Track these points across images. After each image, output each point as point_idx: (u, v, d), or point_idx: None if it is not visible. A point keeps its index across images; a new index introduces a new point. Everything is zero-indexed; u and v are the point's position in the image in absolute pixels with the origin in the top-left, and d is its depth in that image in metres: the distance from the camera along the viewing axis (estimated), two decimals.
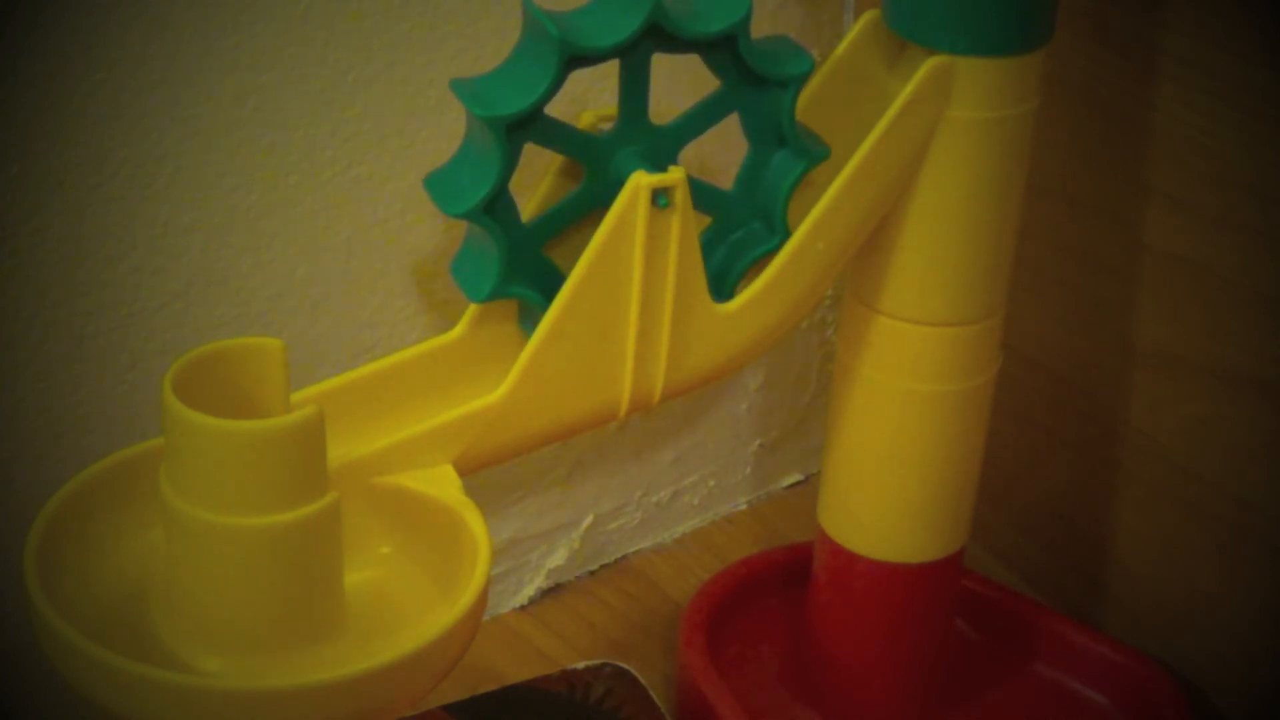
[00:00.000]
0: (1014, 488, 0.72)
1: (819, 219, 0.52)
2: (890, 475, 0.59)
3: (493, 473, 0.53)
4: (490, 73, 0.49)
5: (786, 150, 0.53)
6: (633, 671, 0.64)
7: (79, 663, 0.44)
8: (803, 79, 0.52)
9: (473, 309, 0.52)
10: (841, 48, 0.55)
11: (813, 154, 0.53)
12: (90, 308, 0.56)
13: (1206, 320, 0.61)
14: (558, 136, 0.50)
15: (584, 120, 0.52)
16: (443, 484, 0.49)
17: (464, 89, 0.49)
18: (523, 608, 0.72)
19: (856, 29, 0.55)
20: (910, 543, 0.60)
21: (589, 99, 0.59)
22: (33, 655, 0.46)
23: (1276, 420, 0.60)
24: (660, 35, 0.49)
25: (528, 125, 0.49)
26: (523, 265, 0.51)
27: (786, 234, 0.53)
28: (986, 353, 0.58)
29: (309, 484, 0.45)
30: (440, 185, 0.50)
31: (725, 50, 0.51)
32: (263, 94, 0.56)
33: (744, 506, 0.78)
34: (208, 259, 0.57)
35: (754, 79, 0.51)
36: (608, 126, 0.51)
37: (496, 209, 0.49)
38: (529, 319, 0.51)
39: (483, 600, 0.46)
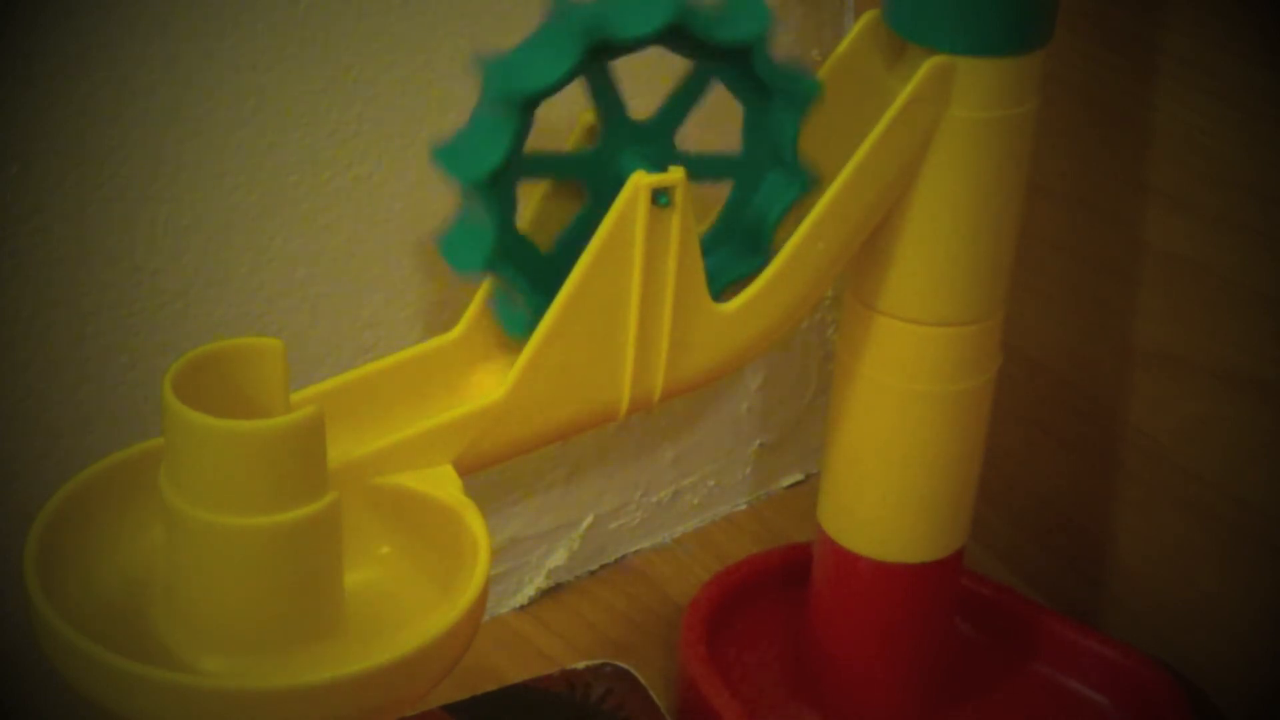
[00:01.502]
0: (1014, 488, 0.72)
1: (819, 219, 0.52)
2: (890, 475, 0.59)
3: (493, 473, 0.53)
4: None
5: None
6: (633, 671, 0.64)
7: (79, 663, 0.44)
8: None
9: (473, 309, 0.52)
10: (841, 48, 0.55)
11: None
12: (90, 308, 0.56)
13: (1206, 320, 0.61)
14: (606, 89, 0.50)
15: (585, 119, 0.52)
16: (443, 484, 0.49)
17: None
18: (523, 608, 0.72)
19: (856, 29, 0.55)
20: (910, 543, 0.60)
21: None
22: (33, 655, 0.46)
23: (1276, 420, 0.60)
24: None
25: (611, 52, 0.49)
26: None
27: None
28: (986, 353, 0.58)
29: (309, 484, 0.45)
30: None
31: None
32: (263, 94, 0.56)
33: (744, 506, 0.78)
34: (208, 259, 0.57)
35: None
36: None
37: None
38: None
39: (483, 600, 0.46)
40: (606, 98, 0.50)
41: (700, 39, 0.50)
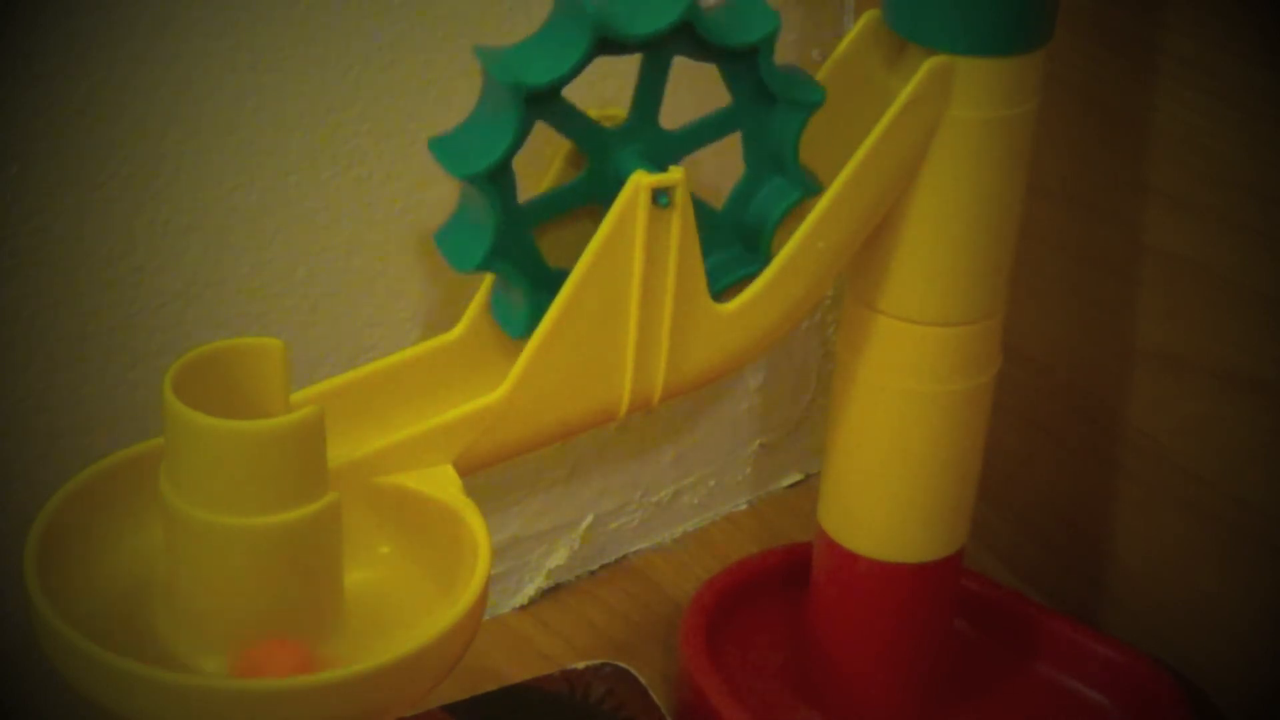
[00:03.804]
0: (1014, 488, 0.71)
1: (819, 219, 0.52)
2: (890, 475, 0.59)
3: (493, 473, 0.53)
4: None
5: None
6: (633, 671, 0.64)
7: (79, 663, 0.44)
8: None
9: (473, 309, 0.52)
10: (841, 48, 0.55)
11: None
12: (90, 308, 0.56)
13: (1206, 320, 0.61)
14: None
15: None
16: (443, 484, 0.49)
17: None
18: (523, 608, 0.72)
19: (856, 29, 0.55)
20: (910, 543, 0.60)
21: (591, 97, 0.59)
22: (33, 655, 0.46)
23: (1276, 420, 0.60)
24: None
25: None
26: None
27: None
28: (986, 353, 0.58)
29: (309, 484, 0.45)
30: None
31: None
32: (263, 94, 0.56)
33: (744, 506, 0.78)
34: (208, 259, 0.57)
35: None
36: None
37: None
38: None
39: (483, 600, 0.46)
40: (649, 89, 0.50)
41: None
